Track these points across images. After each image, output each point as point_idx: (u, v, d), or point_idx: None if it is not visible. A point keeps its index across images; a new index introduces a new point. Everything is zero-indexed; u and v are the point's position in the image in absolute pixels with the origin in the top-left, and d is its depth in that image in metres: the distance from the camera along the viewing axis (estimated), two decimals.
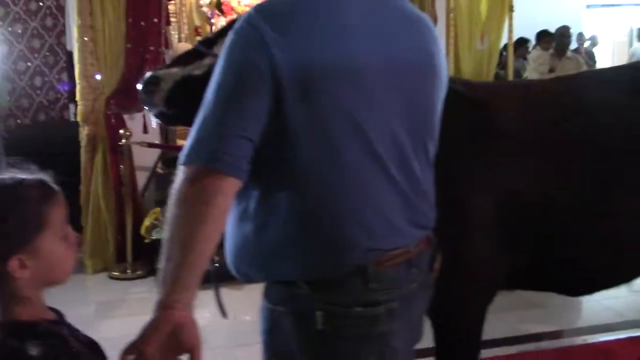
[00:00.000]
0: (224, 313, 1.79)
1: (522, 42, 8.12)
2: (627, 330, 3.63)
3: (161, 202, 4.79)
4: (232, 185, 1.27)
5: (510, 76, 6.37)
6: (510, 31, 5.97)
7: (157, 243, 4.59)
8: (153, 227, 4.67)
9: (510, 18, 5.92)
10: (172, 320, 1.21)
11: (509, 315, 3.69)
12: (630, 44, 11.78)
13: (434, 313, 2.15)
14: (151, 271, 4.71)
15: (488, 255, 2.12)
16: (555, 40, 6.77)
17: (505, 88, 2.40)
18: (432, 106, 1.48)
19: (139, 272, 4.89)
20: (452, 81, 2.42)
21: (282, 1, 1.33)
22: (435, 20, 5.86)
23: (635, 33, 10.42)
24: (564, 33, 6.71)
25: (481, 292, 2.16)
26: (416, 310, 1.49)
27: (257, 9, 1.31)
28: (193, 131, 1.31)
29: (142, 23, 5.05)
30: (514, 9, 5.92)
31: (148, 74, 2.10)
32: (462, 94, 2.22)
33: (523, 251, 2.17)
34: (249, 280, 1.45)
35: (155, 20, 5.12)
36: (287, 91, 1.25)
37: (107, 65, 5.04)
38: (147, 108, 2.12)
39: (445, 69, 1.56)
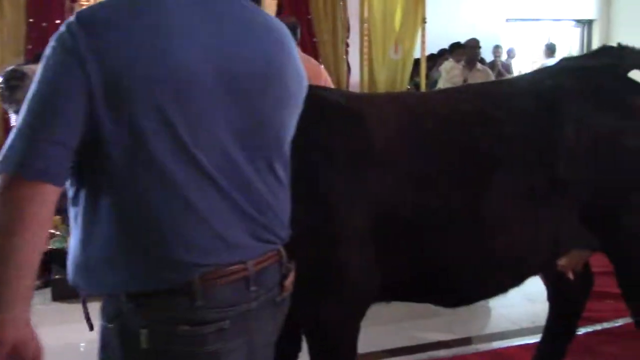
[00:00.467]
0: (90, 326, 1.73)
1: (442, 54, 8.28)
2: (522, 337, 3.70)
3: (59, 211, 4.60)
4: (48, 192, 1.21)
5: (423, 86, 6.49)
6: (423, 42, 6.08)
7: (55, 253, 4.44)
8: (50, 236, 4.48)
9: (423, 29, 6.03)
10: (7, 343, 1.21)
11: (404, 324, 3.72)
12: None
13: (306, 325, 2.14)
14: (48, 282, 4.53)
15: (360, 267, 2.10)
16: (466, 53, 6.92)
17: (383, 99, 2.40)
18: (277, 122, 1.43)
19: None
20: (328, 91, 2.43)
21: (104, 7, 1.27)
22: (347, 30, 5.91)
23: (544, 49, 10.76)
24: (473, 45, 6.86)
25: (354, 304, 2.14)
26: (260, 329, 1.42)
27: (78, 15, 1.25)
28: (8, 139, 1.24)
29: (44, 24, 4.90)
30: (427, 20, 6.04)
31: (10, 69, 1.99)
32: (338, 104, 2.21)
33: (397, 263, 2.17)
34: (79, 289, 1.39)
35: (58, 21, 4.95)
36: (100, 101, 1.20)
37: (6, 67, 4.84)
38: (6, 104, 2.01)
39: (299, 83, 1.51)
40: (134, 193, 1.25)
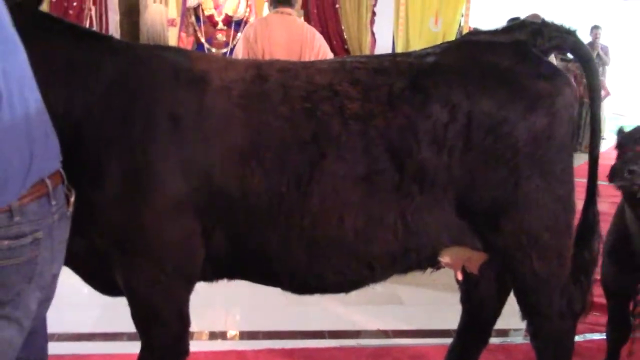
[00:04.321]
0: None
1: None
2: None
3: None
4: None
5: None
6: (467, 15, 5.65)
7: None
8: None
9: (468, 1, 5.60)
10: None
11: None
12: None
13: (125, 290, 2.06)
14: None
15: (175, 238, 2.00)
16: None
17: (240, 65, 2.20)
18: None
19: None
20: (172, 52, 2.26)
21: None
22: None
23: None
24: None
25: (168, 274, 2.03)
26: (58, 238, 1.61)
27: None
28: None
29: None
30: None
31: None
32: (177, 67, 2.07)
33: (223, 240, 2.04)
34: None
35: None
36: None
37: None
38: None
39: None
40: None
